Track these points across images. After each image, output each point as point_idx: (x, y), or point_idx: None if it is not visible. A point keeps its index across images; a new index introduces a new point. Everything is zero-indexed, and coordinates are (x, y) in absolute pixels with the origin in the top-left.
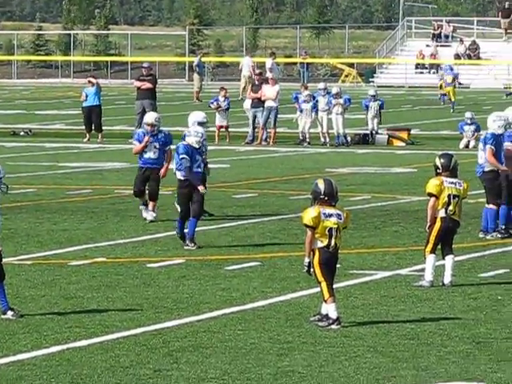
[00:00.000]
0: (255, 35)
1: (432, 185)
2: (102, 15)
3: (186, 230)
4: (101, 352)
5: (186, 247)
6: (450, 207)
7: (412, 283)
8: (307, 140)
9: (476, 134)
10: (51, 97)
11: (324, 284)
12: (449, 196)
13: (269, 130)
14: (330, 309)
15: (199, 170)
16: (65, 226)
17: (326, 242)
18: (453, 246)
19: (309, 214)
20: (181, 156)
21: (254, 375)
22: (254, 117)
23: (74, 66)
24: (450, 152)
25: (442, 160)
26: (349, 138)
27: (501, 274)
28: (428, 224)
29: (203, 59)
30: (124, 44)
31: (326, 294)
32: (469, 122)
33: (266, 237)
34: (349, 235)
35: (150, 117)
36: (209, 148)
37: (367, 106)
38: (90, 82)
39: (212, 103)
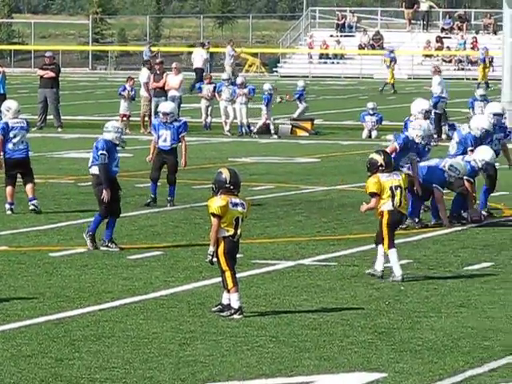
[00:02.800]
0: (159, 24)
1: (372, 183)
2: (6, 3)
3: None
4: (2, 341)
5: (104, 248)
6: (396, 199)
7: (389, 279)
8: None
9: (378, 124)
10: None
11: (229, 273)
12: (391, 188)
13: (181, 119)
14: (232, 298)
15: (117, 169)
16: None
17: (231, 232)
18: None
19: (216, 203)
20: (100, 152)
21: (156, 364)
22: (157, 106)
23: None
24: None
25: (382, 157)
26: (252, 128)
27: (403, 265)
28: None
29: (153, 49)
30: (27, 33)
31: (230, 284)
32: (371, 112)
33: (169, 226)
34: (251, 225)
35: (166, 106)
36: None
37: (364, 120)
38: None
39: (123, 91)
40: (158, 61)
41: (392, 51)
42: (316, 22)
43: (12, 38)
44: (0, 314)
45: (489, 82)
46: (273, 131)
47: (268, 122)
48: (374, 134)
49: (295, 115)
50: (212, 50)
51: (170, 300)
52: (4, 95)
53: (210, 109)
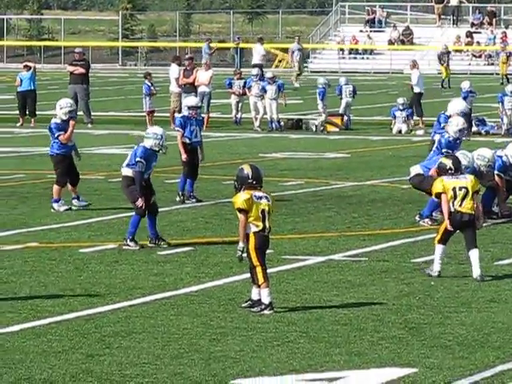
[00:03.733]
0: (188, 20)
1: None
2: (35, 0)
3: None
4: (33, 337)
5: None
6: (456, 201)
7: (425, 270)
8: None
9: (409, 120)
10: None
11: (260, 268)
12: (454, 189)
13: (202, 115)
14: (263, 294)
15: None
16: None
17: (260, 226)
18: (476, 240)
19: (240, 198)
20: (137, 159)
21: (187, 360)
22: None
23: (7, 51)
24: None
25: (451, 161)
26: (282, 123)
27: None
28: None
29: (211, 45)
30: (57, 29)
31: (261, 279)
32: (401, 107)
33: (199, 222)
34: (282, 220)
35: (193, 100)
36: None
37: (394, 116)
38: (26, 66)
39: (148, 89)
40: (187, 56)
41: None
42: (346, 18)
43: (42, 35)
44: (31, 310)
45: (508, 76)
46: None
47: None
48: (404, 129)
49: (340, 111)
50: (242, 45)
51: (201, 296)
52: (34, 91)
53: (240, 104)
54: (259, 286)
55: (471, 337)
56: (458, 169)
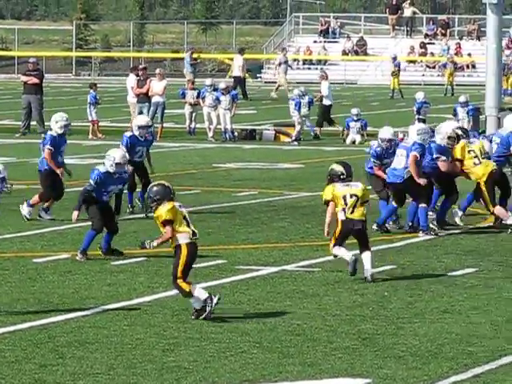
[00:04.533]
0: (142, 30)
1: (327, 192)
2: None
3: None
4: None
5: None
6: (347, 208)
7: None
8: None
9: (364, 130)
10: None
11: (181, 280)
12: (344, 197)
13: (156, 125)
14: (198, 295)
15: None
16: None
17: (189, 232)
18: (368, 242)
19: (164, 209)
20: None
21: (140, 370)
22: (140, 112)
23: None
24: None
25: (341, 168)
26: (235, 133)
27: (387, 271)
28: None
29: (194, 55)
30: (11, 38)
31: (187, 287)
32: (355, 118)
33: (150, 232)
34: (235, 230)
35: (143, 119)
36: (87, 143)
37: (348, 126)
38: None
39: (96, 99)
40: (141, 66)
41: (395, 58)
42: (300, 28)
43: None
44: None
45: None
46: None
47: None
48: (358, 139)
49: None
50: (195, 55)
51: (154, 306)
52: None
53: (194, 115)
54: (188, 295)
55: (425, 347)
56: (349, 174)
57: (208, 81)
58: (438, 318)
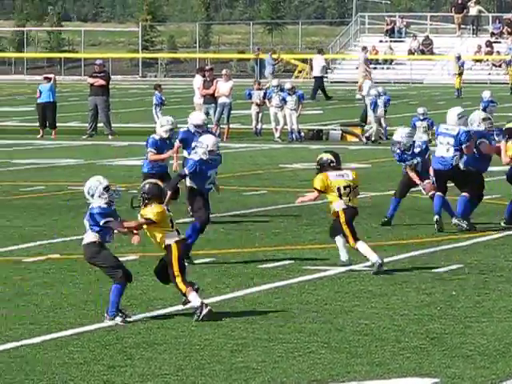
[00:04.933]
0: (208, 31)
1: (320, 181)
2: (55, 12)
3: None
4: (55, 349)
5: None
6: (344, 198)
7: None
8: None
9: (430, 130)
10: (5, 93)
11: (179, 278)
12: (338, 189)
13: (222, 126)
14: (191, 298)
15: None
16: (18, 223)
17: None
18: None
19: (154, 211)
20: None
21: (208, 371)
22: (207, 113)
23: (27, 63)
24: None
25: (330, 156)
26: (302, 134)
27: (454, 270)
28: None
29: (274, 56)
30: (77, 40)
31: (183, 287)
32: (421, 117)
33: (220, 232)
34: (302, 231)
35: (199, 117)
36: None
37: (414, 125)
38: (46, 78)
39: (161, 100)
40: (207, 67)
41: (459, 57)
42: (365, 28)
43: (62, 46)
44: (52, 321)
45: None
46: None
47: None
48: (425, 138)
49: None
50: (262, 56)
51: (222, 307)
52: (54, 103)
53: (260, 115)
54: (184, 295)
55: (493, 347)
56: (338, 161)
57: (274, 81)
58: (506, 317)
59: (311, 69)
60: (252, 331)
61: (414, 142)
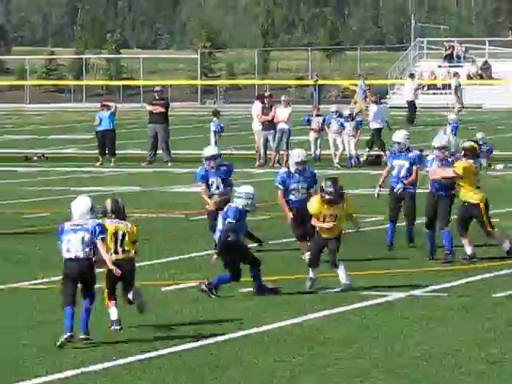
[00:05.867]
0: (267, 57)
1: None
2: (114, 39)
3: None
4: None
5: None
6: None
7: None
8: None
9: (488, 154)
10: (64, 121)
11: (107, 291)
12: (324, 217)
13: (281, 152)
14: (111, 312)
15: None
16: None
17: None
18: None
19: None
20: (228, 220)
21: None
22: (266, 139)
23: (86, 91)
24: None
25: (330, 183)
26: (361, 159)
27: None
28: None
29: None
30: (136, 68)
31: (107, 300)
32: (480, 142)
33: (277, 260)
34: (362, 256)
35: (210, 149)
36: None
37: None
38: (105, 105)
39: (220, 127)
40: (266, 94)
41: None
42: (424, 53)
43: (121, 74)
44: (115, 349)
45: None
46: None
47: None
48: (484, 163)
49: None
50: (320, 82)
51: (281, 332)
52: (113, 131)
53: (319, 141)
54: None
55: None
56: (337, 190)
57: (333, 107)
58: None
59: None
60: (310, 357)
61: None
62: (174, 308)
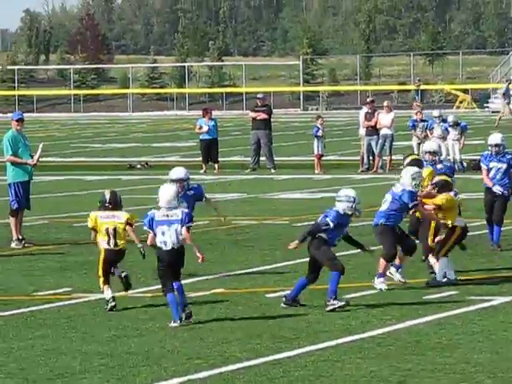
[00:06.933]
0: (368, 63)
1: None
2: (216, 47)
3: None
4: (222, 383)
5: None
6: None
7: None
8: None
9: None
10: (167, 129)
11: (102, 279)
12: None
13: (384, 158)
14: (105, 293)
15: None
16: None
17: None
18: None
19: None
20: (328, 219)
21: None
22: (369, 145)
23: (188, 98)
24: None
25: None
26: (465, 164)
27: None
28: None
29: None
30: (238, 75)
31: (102, 285)
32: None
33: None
34: (467, 261)
35: (176, 172)
36: (320, 178)
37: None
38: (207, 112)
39: (317, 132)
40: (369, 99)
41: None
42: None
43: (223, 81)
44: (218, 355)
45: None
46: None
47: None
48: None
49: None
50: (422, 87)
51: (387, 338)
52: (216, 139)
53: (421, 146)
54: (101, 290)
55: None
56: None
57: (436, 112)
58: None
59: (473, 99)
60: (418, 362)
61: None
62: (278, 314)
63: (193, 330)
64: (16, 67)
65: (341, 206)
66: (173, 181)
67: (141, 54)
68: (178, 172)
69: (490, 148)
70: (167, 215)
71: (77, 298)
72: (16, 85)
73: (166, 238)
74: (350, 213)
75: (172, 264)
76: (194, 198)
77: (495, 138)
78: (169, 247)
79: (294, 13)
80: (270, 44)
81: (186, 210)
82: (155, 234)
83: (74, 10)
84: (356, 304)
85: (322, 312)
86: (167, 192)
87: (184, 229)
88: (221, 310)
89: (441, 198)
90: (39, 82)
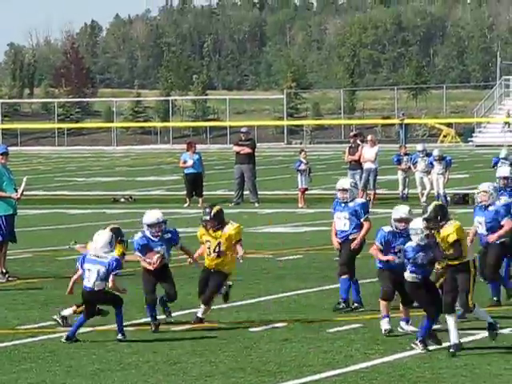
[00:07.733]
0: (352, 97)
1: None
2: (200, 81)
3: None
4: None
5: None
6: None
7: None
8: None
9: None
10: (151, 163)
11: None
12: None
13: (368, 192)
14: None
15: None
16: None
17: None
18: None
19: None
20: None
21: None
22: (353, 179)
23: (172, 132)
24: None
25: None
26: (448, 198)
27: None
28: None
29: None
30: (222, 109)
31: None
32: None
33: (365, 299)
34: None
35: (152, 216)
36: (303, 212)
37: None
38: (191, 146)
39: (299, 166)
40: (352, 133)
41: None
42: (510, 91)
43: (207, 115)
44: None
45: None
46: None
47: None
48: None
49: None
50: (406, 121)
51: (371, 372)
52: (201, 173)
53: (406, 180)
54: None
55: None
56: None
57: (419, 146)
58: None
59: (457, 133)
60: None
61: None
62: (261, 348)
63: (176, 364)
64: (0, 101)
65: (416, 240)
66: (150, 226)
67: (125, 88)
68: (154, 215)
69: (498, 180)
70: (97, 256)
71: (61, 331)
72: (0, 118)
73: (90, 278)
74: (421, 243)
75: (89, 303)
76: (171, 242)
77: (504, 170)
78: (89, 286)
79: (277, 47)
80: (253, 78)
81: (116, 256)
82: (83, 270)
83: (58, 43)
84: (340, 338)
85: (307, 346)
86: (100, 239)
87: (111, 277)
88: (204, 344)
89: (451, 232)
90: (23, 115)
